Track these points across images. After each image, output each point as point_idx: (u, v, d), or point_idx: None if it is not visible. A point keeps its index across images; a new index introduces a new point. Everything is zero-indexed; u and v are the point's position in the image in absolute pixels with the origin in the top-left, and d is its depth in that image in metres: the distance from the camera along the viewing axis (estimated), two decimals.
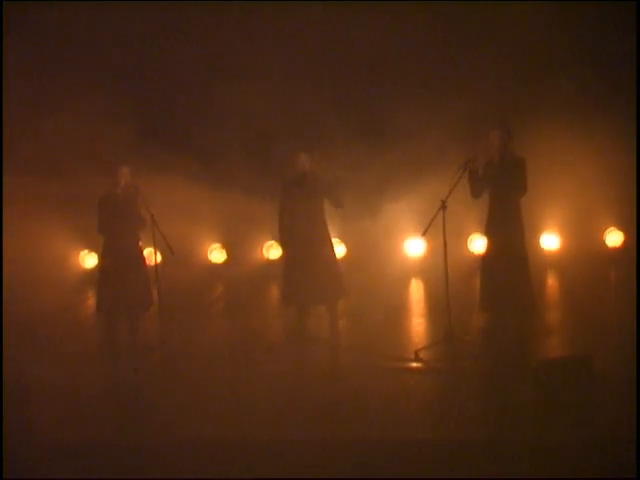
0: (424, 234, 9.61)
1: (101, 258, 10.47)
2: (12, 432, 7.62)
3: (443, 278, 9.58)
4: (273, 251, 12.94)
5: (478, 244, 12.26)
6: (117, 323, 10.23)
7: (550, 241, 12.62)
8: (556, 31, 11.98)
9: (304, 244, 10.07)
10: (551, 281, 12.15)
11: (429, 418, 8.02)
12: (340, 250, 12.05)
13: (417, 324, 10.99)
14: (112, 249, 10.15)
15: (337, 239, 11.67)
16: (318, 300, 10.19)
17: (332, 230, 10.41)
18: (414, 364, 9.42)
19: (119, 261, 10.08)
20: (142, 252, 10.37)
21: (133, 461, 7.51)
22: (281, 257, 11.09)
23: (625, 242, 12.41)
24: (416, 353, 9.55)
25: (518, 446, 7.29)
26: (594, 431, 7.41)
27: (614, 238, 12.54)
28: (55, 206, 12.25)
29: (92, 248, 12.42)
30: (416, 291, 12.27)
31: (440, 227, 9.48)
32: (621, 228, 12.43)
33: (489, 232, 10.03)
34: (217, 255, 13.24)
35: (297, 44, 12.70)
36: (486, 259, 10.07)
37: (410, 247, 12.73)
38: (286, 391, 8.82)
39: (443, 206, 9.43)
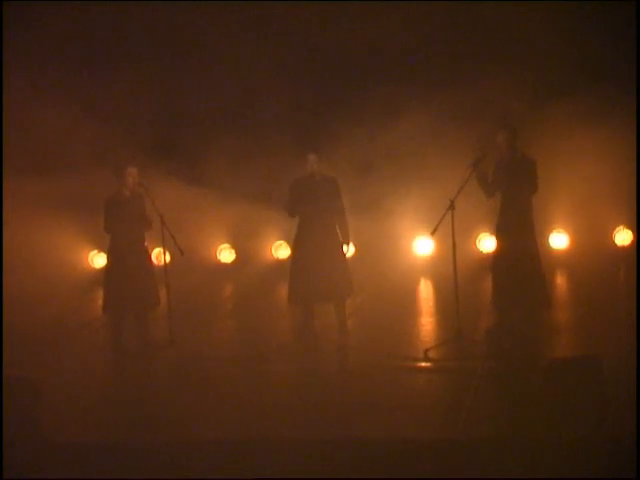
0: (433, 233, 9.61)
1: (107, 258, 10.50)
2: (18, 432, 7.63)
3: (452, 277, 9.59)
4: (282, 251, 12.96)
5: (487, 243, 12.26)
6: (123, 322, 10.25)
7: (559, 240, 12.62)
8: (558, 31, 11.98)
9: (312, 243, 10.08)
10: (560, 280, 12.15)
11: (438, 417, 8.02)
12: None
13: (426, 323, 11.00)
14: (117, 249, 10.16)
15: None
16: (325, 298, 10.20)
17: None
18: (423, 363, 9.42)
19: (124, 261, 10.08)
20: (148, 252, 10.38)
21: (141, 462, 7.51)
22: (289, 256, 11.10)
23: (634, 241, 12.39)
24: (425, 352, 9.55)
25: (527, 446, 7.29)
26: (602, 431, 7.40)
27: (623, 237, 12.53)
28: (64, 206, 12.28)
29: (101, 248, 12.43)
30: (425, 290, 12.28)
31: (449, 226, 9.49)
32: (630, 227, 12.41)
33: (501, 232, 10.00)
34: (226, 255, 13.26)
35: (297, 43, 12.72)
36: (498, 258, 10.04)
37: (419, 246, 12.75)
38: (295, 390, 8.84)
39: (452, 205, 9.43)
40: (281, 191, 10.47)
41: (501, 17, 12.01)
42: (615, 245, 12.55)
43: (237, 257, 13.25)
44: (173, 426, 8.06)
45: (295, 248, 10.40)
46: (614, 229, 12.57)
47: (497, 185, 9.84)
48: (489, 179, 9.85)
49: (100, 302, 10.50)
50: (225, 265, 13.23)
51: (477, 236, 12.63)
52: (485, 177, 9.75)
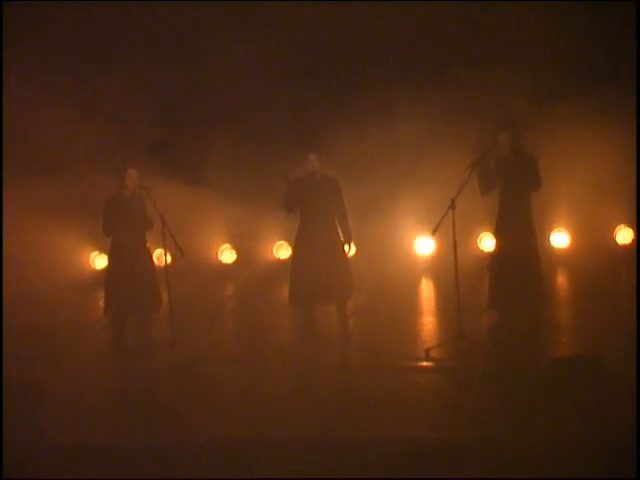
0: (434, 233, 9.63)
1: (108, 260, 10.51)
2: (18, 432, 7.65)
3: (453, 277, 9.59)
4: (283, 251, 12.96)
5: (488, 243, 12.24)
6: (125, 324, 10.25)
7: (560, 239, 12.61)
8: (558, 31, 11.98)
9: (313, 243, 10.08)
10: (561, 279, 12.14)
11: (440, 417, 8.03)
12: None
13: (427, 323, 11.00)
14: (119, 250, 10.16)
15: None
16: (326, 299, 10.20)
17: None
18: (425, 363, 9.43)
19: (126, 262, 10.09)
20: (150, 253, 10.39)
21: (142, 462, 7.53)
22: (290, 256, 11.10)
23: (635, 240, 12.38)
24: (427, 352, 9.55)
25: (527, 446, 7.29)
26: (603, 430, 7.41)
27: (624, 236, 12.52)
28: (65, 208, 12.27)
29: (102, 249, 12.43)
30: (426, 290, 12.28)
31: (450, 226, 9.49)
32: (631, 226, 12.40)
33: (499, 230, 10.02)
34: (227, 255, 13.25)
35: (296, 44, 12.72)
36: (495, 257, 10.06)
37: (420, 246, 12.73)
38: (296, 390, 8.84)
39: (452, 205, 9.44)
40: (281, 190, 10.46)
41: (500, 17, 12.01)
42: (616, 244, 12.53)
43: (238, 257, 13.23)
44: (174, 426, 8.08)
45: (296, 248, 10.41)
46: (615, 228, 12.55)
47: (495, 183, 9.84)
48: (489, 174, 9.83)
49: (101, 303, 10.52)
50: (226, 266, 13.22)
51: (478, 235, 12.61)
52: (486, 169, 9.74)
